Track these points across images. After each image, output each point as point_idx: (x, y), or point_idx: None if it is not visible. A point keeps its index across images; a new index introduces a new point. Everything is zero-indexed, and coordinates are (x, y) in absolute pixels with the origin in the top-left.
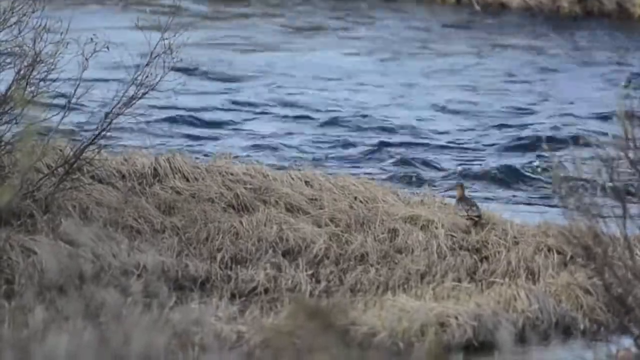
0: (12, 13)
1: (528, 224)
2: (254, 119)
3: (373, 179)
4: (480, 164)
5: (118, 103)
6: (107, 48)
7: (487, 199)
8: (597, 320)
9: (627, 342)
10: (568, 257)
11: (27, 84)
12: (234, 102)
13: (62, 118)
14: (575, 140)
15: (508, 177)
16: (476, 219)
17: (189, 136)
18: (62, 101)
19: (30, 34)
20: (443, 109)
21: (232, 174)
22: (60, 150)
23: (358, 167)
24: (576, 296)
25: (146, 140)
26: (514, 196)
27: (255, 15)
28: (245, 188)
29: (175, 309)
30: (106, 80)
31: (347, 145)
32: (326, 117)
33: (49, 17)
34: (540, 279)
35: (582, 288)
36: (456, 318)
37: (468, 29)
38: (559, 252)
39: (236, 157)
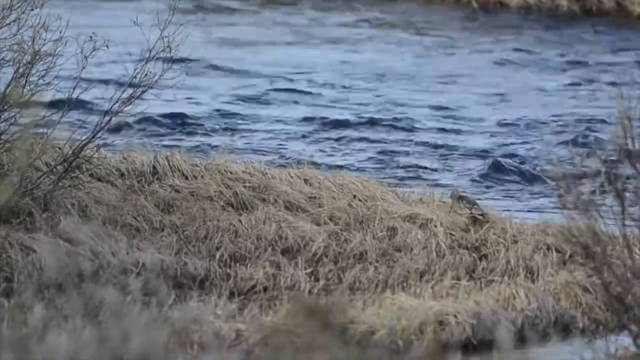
0: (11, 11)
1: (527, 222)
2: (253, 118)
3: (372, 177)
4: (479, 163)
5: (117, 101)
6: (107, 46)
7: (486, 197)
8: (596, 319)
9: (626, 340)
10: (567, 256)
11: (26, 82)
12: (233, 102)
13: (61, 116)
14: (575, 138)
15: (507, 176)
16: (481, 217)
17: (188, 134)
18: (61, 99)
19: (29, 32)
20: (441, 108)
21: (231, 172)
22: (59, 148)
23: (357, 166)
24: (575, 295)
25: (145, 138)
26: (513, 194)
27: (255, 12)
28: (244, 186)
29: (174, 307)
30: (105, 78)
31: (346, 144)
32: (325, 117)
33: (48, 15)
34: (539, 277)
35: (581, 287)
36: (455, 316)
37: (466, 27)
38: (558, 251)
39: (236, 154)
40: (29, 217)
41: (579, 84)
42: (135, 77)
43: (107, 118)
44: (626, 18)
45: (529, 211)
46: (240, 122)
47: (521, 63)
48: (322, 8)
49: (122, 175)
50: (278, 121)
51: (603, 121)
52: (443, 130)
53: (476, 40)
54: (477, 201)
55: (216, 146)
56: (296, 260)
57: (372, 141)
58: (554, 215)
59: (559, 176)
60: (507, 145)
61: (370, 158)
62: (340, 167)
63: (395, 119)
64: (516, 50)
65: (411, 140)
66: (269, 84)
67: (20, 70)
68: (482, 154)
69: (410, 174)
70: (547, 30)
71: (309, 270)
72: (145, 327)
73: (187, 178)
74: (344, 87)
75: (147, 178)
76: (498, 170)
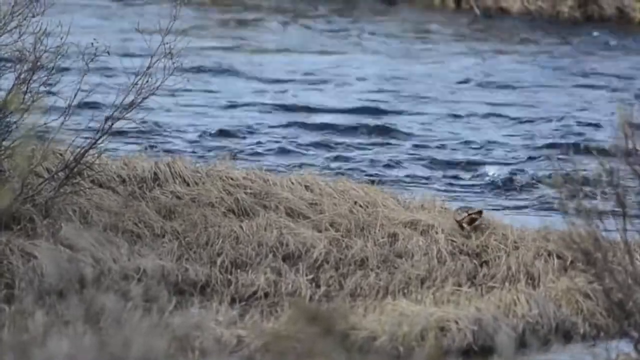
0: (12, 17)
1: (528, 228)
2: (253, 121)
3: (373, 181)
4: (480, 169)
5: (119, 107)
6: (108, 52)
7: (487, 204)
8: (597, 325)
9: (627, 347)
10: (568, 262)
11: (27, 88)
12: (234, 105)
13: (62, 122)
14: (576, 145)
15: (508, 182)
16: (478, 215)
17: (189, 140)
18: (62, 105)
19: (31, 39)
20: (442, 113)
21: (232, 179)
22: (61, 155)
23: (357, 171)
24: (576, 301)
25: (147, 144)
26: (514, 201)
27: (256, 18)
28: (245, 193)
29: (175, 313)
30: (107, 84)
31: (346, 149)
32: (323, 120)
33: (49, 21)
34: (541, 283)
35: (582, 293)
36: (456, 322)
37: (467, 33)
38: (559, 257)
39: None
40: (30, 223)
41: (580, 90)
42: (136, 83)
43: (108, 124)
44: (627, 24)
45: (529, 217)
46: (238, 125)
47: (521, 69)
48: (304, 14)
49: (124, 181)
50: (277, 125)
51: (604, 126)
52: (443, 138)
53: (476, 47)
54: (479, 207)
55: (218, 152)
56: (297, 267)
57: (369, 148)
58: (555, 221)
59: (560, 182)
60: (507, 151)
61: (370, 165)
62: (340, 173)
63: (395, 124)
64: (517, 56)
65: (409, 148)
66: (263, 91)
67: (22, 76)
68: (483, 160)
69: (409, 181)
70: (548, 37)
71: (310, 277)
72: (146, 333)
73: (188, 184)
74: (339, 92)
75: (148, 184)
76: (499, 176)
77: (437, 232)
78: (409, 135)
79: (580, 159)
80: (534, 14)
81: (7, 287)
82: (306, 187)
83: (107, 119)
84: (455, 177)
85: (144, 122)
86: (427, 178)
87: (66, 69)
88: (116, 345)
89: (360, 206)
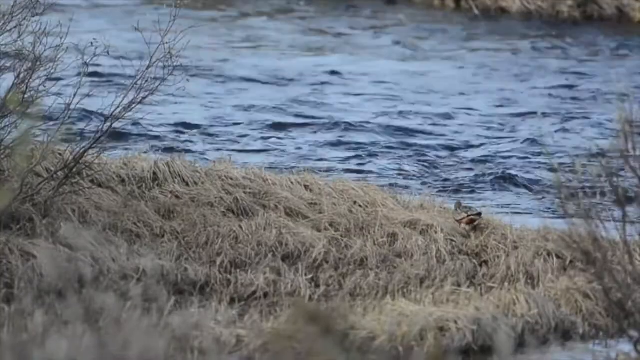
0: (12, 17)
1: (528, 228)
2: (254, 122)
3: (370, 180)
4: (480, 169)
5: (118, 107)
6: (107, 52)
7: (486, 203)
8: (596, 325)
9: (626, 346)
10: (568, 262)
11: (26, 88)
12: (235, 106)
13: (61, 122)
14: (575, 145)
15: (507, 182)
16: (478, 217)
17: (189, 140)
18: (61, 105)
19: (30, 38)
20: (442, 114)
21: (231, 178)
22: (60, 154)
23: (357, 171)
24: (575, 301)
25: (146, 144)
26: (513, 201)
27: (255, 16)
28: (244, 192)
29: (174, 313)
30: (106, 84)
31: (345, 149)
32: (323, 122)
33: (48, 21)
34: (540, 283)
35: (582, 292)
36: (455, 322)
37: (467, 33)
38: (558, 257)
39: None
40: (30, 223)
41: (580, 90)
42: (136, 83)
43: (107, 124)
44: (627, 24)
45: (529, 217)
46: (240, 126)
47: (522, 69)
48: (305, 15)
49: (123, 181)
50: (278, 125)
51: (604, 127)
52: (444, 138)
53: (476, 47)
54: (478, 207)
55: (216, 152)
56: (297, 266)
57: (370, 146)
58: (555, 221)
59: (560, 183)
60: (507, 151)
61: (371, 163)
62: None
63: (393, 125)
64: (517, 56)
65: (410, 148)
66: (264, 91)
67: (21, 76)
68: (483, 160)
69: (408, 182)
70: (547, 36)
71: (309, 276)
72: (145, 333)
73: (187, 184)
74: (344, 94)
75: (147, 184)
76: (499, 177)
77: (436, 232)
78: (405, 136)
79: (581, 159)
80: (534, 14)
81: (7, 286)
82: (306, 186)
83: (106, 118)
84: (455, 177)
85: (147, 121)
86: (426, 177)
87: (65, 69)
88: (116, 345)
89: (360, 206)
